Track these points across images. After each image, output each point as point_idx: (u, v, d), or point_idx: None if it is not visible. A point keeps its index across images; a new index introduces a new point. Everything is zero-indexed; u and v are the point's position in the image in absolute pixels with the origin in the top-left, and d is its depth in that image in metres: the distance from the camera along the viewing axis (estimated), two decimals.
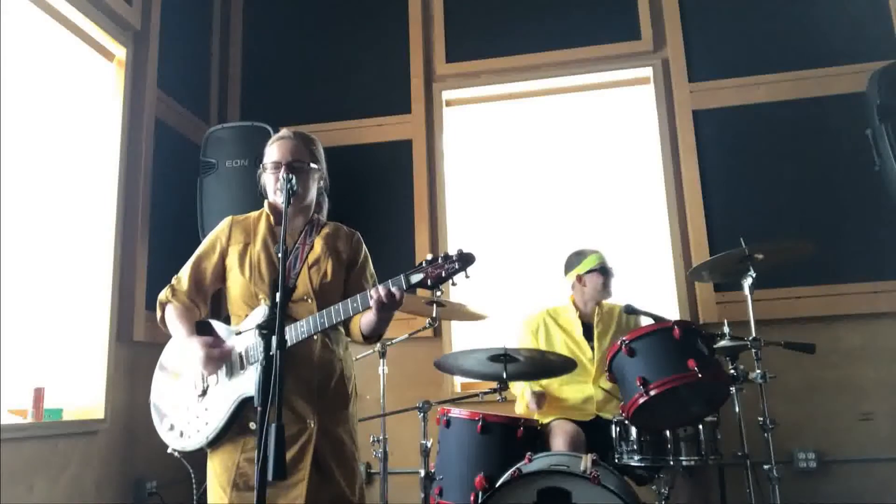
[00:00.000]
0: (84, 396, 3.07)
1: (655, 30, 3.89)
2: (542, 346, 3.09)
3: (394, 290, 1.86)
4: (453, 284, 1.85)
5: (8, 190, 2.75)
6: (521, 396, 3.05)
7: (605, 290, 3.14)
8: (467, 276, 1.84)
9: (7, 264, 2.71)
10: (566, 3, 4.01)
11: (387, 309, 1.90)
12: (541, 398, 2.96)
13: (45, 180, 3.01)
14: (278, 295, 1.70)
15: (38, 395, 2.74)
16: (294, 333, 1.94)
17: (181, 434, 2.06)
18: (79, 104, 3.23)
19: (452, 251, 1.85)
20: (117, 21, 3.34)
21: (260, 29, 4.32)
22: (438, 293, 2.03)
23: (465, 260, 1.82)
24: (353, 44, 4.19)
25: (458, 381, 3.74)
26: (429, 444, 2.69)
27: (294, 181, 1.89)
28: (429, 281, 1.84)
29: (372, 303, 1.88)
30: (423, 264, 1.85)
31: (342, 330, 2.18)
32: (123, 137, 3.34)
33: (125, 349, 3.21)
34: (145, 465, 3.27)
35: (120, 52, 3.40)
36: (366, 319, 2.05)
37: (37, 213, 2.94)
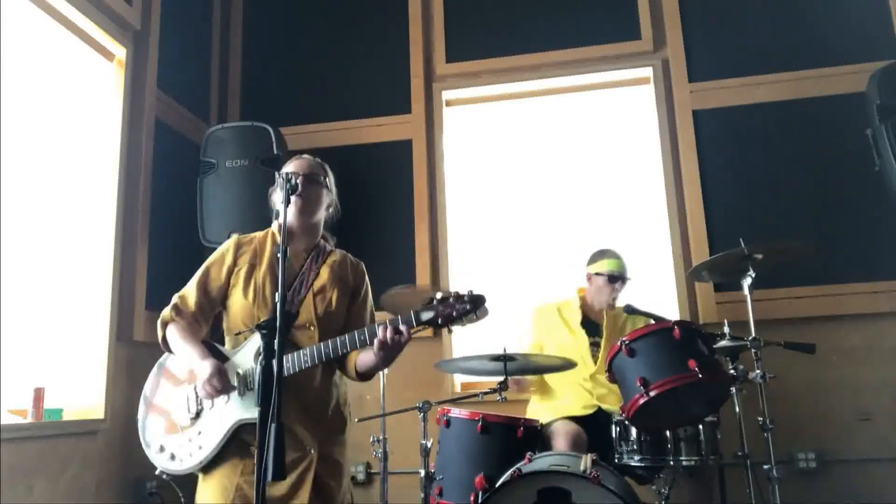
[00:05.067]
0: (84, 396, 3.07)
1: (655, 30, 3.89)
2: (546, 337, 3.14)
3: (402, 327, 1.84)
4: (462, 326, 1.82)
5: (8, 190, 2.75)
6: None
7: (607, 297, 3.10)
8: (477, 319, 1.82)
9: (7, 264, 2.71)
10: (566, 3, 4.01)
11: (389, 349, 1.87)
12: (519, 383, 3.04)
13: (46, 180, 3.00)
14: (278, 295, 1.68)
15: (38, 395, 2.74)
16: (296, 362, 1.93)
17: (172, 457, 2.04)
18: (79, 104, 3.22)
19: (464, 291, 1.83)
20: (117, 21, 3.34)
21: (260, 29, 4.32)
22: (448, 332, 1.98)
23: (476, 302, 1.81)
24: (353, 44, 4.19)
25: (458, 381, 3.74)
26: (429, 444, 2.69)
27: (293, 181, 1.89)
28: (439, 320, 1.82)
29: (375, 342, 1.86)
30: (434, 302, 1.83)
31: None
32: (123, 137, 3.34)
33: (125, 349, 3.21)
34: (145, 465, 3.21)
35: (120, 52, 3.40)
36: (363, 359, 2.03)
37: (37, 213, 2.94)
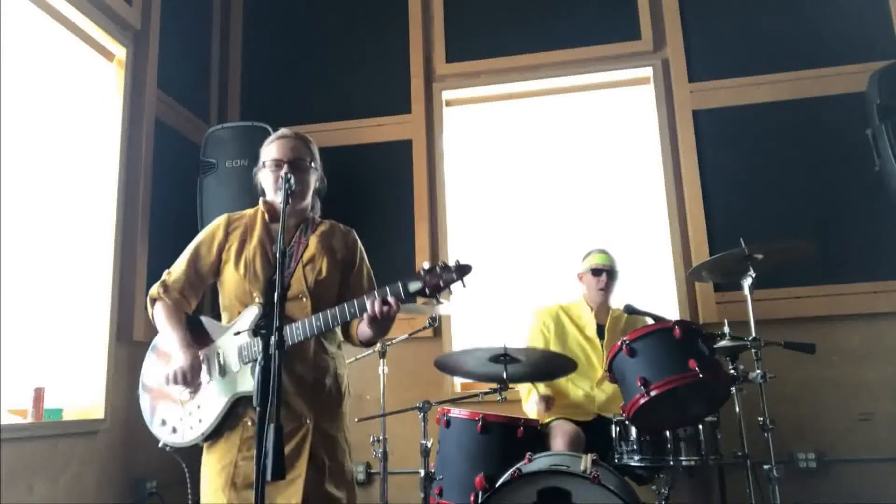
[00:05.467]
0: (84, 396, 3.07)
1: (655, 30, 3.89)
2: (553, 339, 3.12)
3: (390, 298, 1.87)
4: (450, 293, 1.86)
5: (8, 190, 2.75)
6: (527, 396, 3.05)
7: (598, 291, 3.14)
8: (464, 286, 1.86)
9: (7, 264, 2.71)
10: (566, 3, 4.01)
11: (380, 322, 1.90)
12: (549, 401, 2.93)
13: (46, 180, 3.00)
14: (276, 295, 1.69)
15: (38, 395, 2.74)
16: (290, 335, 1.95)
17: (173, 430, 2.07)
18: (79, 104, 3.22)
19: (451, 261, 1.87)
20: (117, 21, 3.34)
21: (260, 29, 4.32)
22: (436, 303, 2.04)
23: (462, 270, 1.85)
24: (352, 44, 4.19)
25: (458, 381, 3.73)
26: (429, 444, 2.69)
27: (293, 180, 1.90)
28: (427, 290, 1.85)
29: (365, 316, 1.89)
30: (421, 273, 1.87)
31: (337, 329, 2.18)
32: (123, 137, 3.34)
33: (125, 349, 3.21)
34: (145, 465, 3.27)
35: (120, 52, 3.40)
36: (363, 328, 2.05)
37: (37, 213, 2.94)
